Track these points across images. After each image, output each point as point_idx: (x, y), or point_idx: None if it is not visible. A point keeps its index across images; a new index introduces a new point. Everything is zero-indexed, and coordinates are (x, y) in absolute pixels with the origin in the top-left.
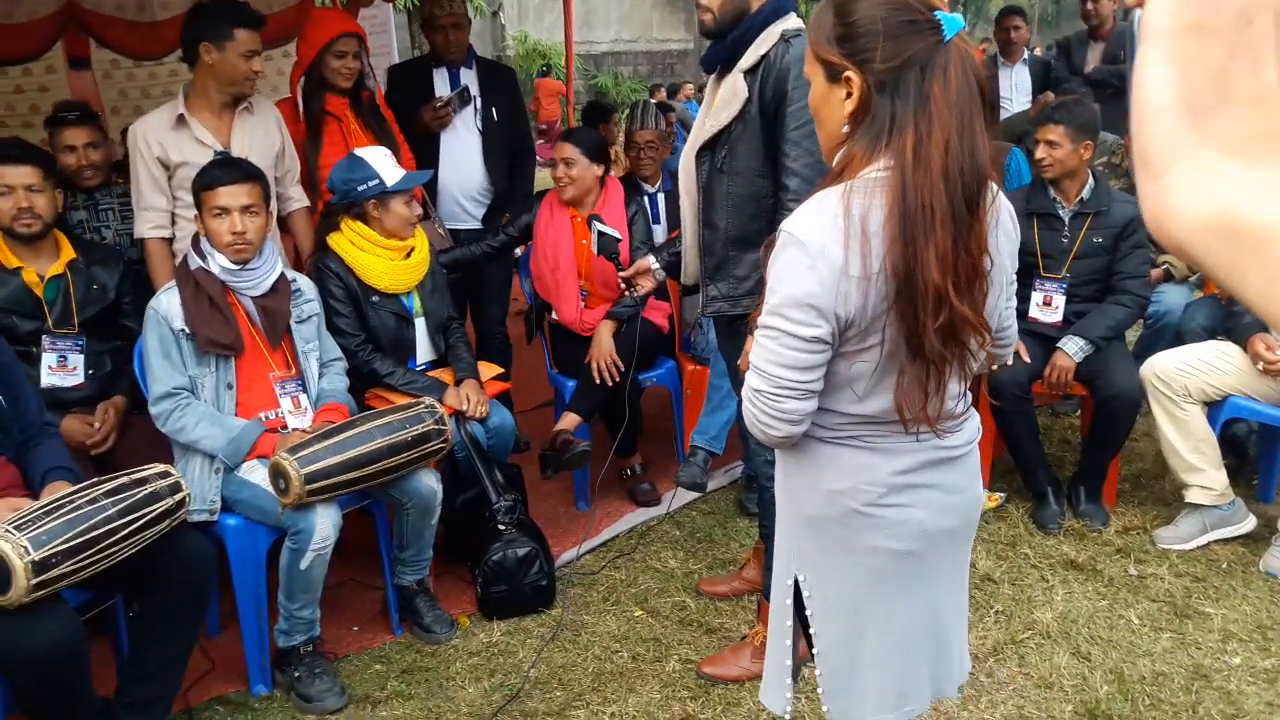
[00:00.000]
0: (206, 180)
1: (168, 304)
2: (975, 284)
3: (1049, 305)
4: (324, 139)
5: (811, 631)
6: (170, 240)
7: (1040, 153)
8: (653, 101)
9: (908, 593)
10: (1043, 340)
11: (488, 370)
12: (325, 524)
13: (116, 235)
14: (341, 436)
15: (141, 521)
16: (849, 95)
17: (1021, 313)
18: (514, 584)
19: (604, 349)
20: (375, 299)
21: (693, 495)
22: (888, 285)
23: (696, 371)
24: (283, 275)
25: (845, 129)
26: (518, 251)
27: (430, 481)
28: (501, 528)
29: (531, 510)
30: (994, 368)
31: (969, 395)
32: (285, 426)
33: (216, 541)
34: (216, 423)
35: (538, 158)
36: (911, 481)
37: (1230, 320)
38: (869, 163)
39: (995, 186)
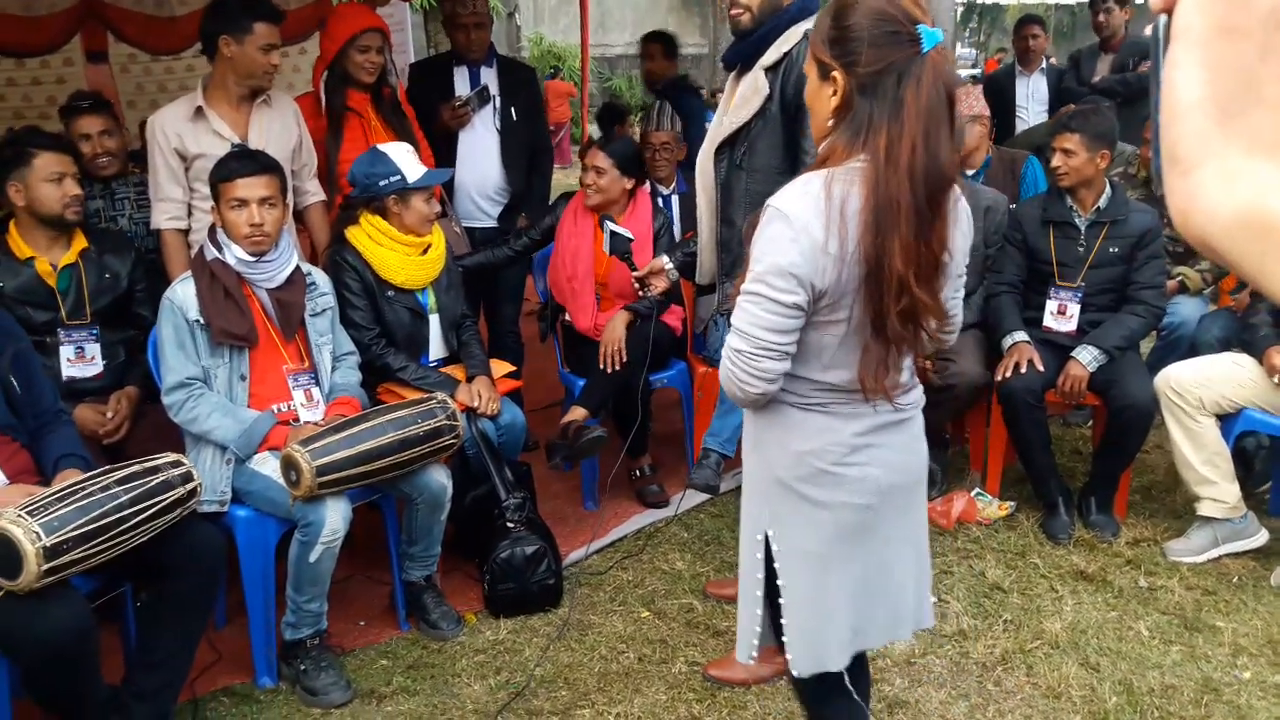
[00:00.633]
0: (224, 172)
1: (183, 294)
2: (935, 275)
3: (1063, 314)
4: (345, 134)
5: (780, 583)
6: (186, 231)
7: (1056, 161)
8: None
9: (865, 544)
10: (1056, 349)
11: (500, 368)
12: (335, 517)
13: (131, 224)
14: (354, 430)
15: (153, 510)
16: (835, 93)
17: (1035, 321)
18: (521, 582)
19: (614, 336)
20: (391, 293)
21: (701, 497)
22: (859, 267)
23: (708, 374)
24: (298, 268)
25: (830, 123)
26: None
27: (440, 477)
28: (510, 525)
29: (540, 509)
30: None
31: (914, 368)
32: (297, 419)
33: (226, 532)
34: (229, 414)
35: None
36: (868, 442)
37: (1246, 333)
38: (849, 156)
39: (958, 189)
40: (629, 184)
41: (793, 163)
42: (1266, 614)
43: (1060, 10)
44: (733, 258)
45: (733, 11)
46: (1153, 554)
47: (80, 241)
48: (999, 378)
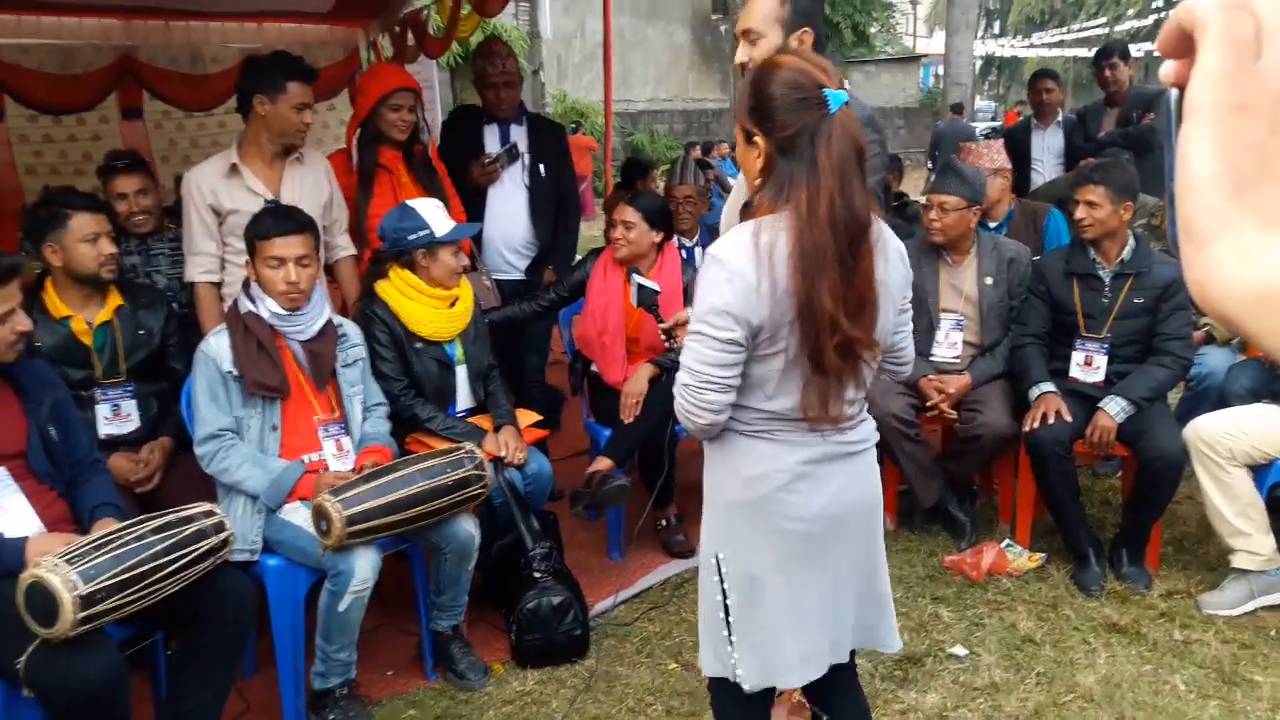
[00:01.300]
0: (263, 230)
1: (217, 346)
2: (864, 311)
3: (1090, 365)
4: (375, 190)
5: (728, 602)
6: (219, 285)
7: (1080, 213)
8: (692, 157)
9: (810, 569)
10: (1084, 400)
11: (526, 418)
12: (365, 566)
13: (167, 279)
14: (384, 479)
15: (186, 559)
16: (759, 155)
17: (1062, 372)
18: (548, 633)
19: (636, 389)
20: (419, 345)
21: None
22: (790, 305)
23: None
24: (330, 320)
25: (758, 181)
26: None
27: (469, 527)
28: (537, 575)
29: (566, 559)
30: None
31: (864, 401)
32: (327, 468)
33: (256, 581)
34: (259, 464)
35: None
36: (814, 472)
37: (1276, 383)
38: (773, 210)
39: (880, 229)
40: (657, 237)
41: None
42: None
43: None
44: None
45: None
46: (1187, 606)
47: (115, 299)
48: (1027, 428)
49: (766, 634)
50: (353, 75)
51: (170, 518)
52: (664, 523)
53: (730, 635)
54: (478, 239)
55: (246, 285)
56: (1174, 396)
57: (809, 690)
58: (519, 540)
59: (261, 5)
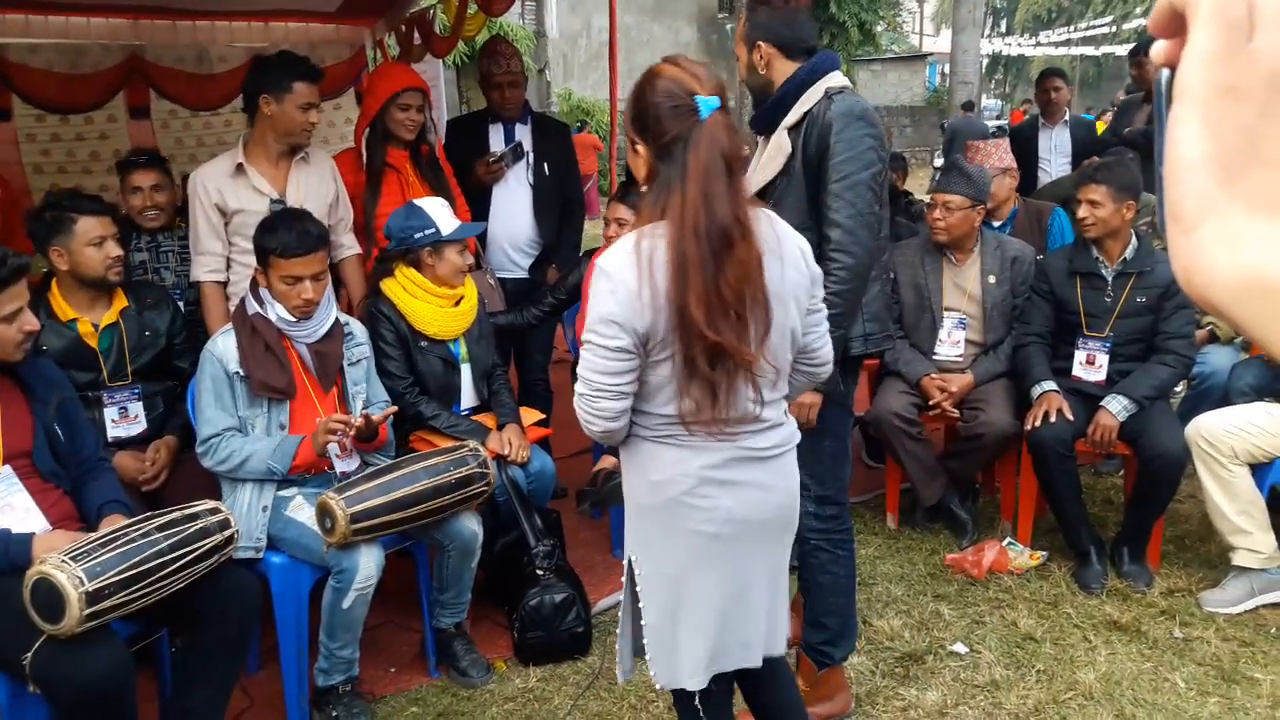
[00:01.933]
0: (278, 246)
1: (224, 346)
2: (737, 319)
3: (1092, 364)
4: (382, 189)
5: (640, 605)
6: (225, 284)
7: (1083, 212)
8: None
9: (718, 571)
10: (1086, 399)
11: (529, 416)
12: (369, 564)
13: (175, 276)
14: (387, 477)
15: (191, 556)
16: (643, 163)
17: (1065, 371)
18: (550, 630)
19: None
20: (424, 344)
21: None
22: (670, 312)
23: None
24: (336, 320)
25: (645, 188)
26: None
27: (472, 524)
28: (540, 573)
29: (569, 557)
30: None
31: (780, 404)
32: (332, 468)
33: (261, 578)
34: (258, 440)
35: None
36: (719, 476)
37: (1279, 382)
38: (655, 217)
39: (775, 230)
40: None
41: (817, 216)
42: None
43: (1085, 61)
44: None
45: (741, 79)
46: (1187, 604)
47: (120, 301)
48: (1029, 427)
49: (675, 633)
50: (359, 74)
51: (175, 515)
52: None
53: (643, 637)
54: (482, 238)
55: (254, 286)
56: (1176, 395)
57: (744, 689)
58: (522, 538)
59: (268, 4)
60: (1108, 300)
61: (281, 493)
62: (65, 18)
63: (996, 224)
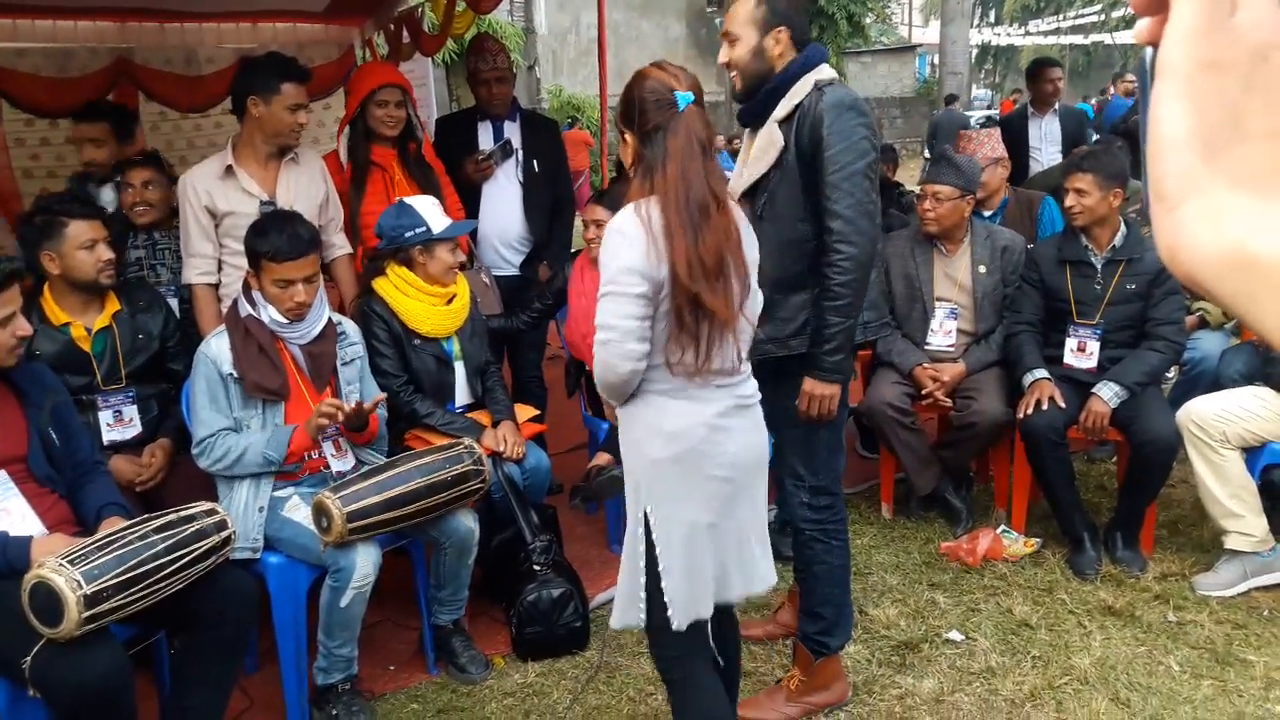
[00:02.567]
0: (271, 252)
1: (217, 348)
2: (715, 276)
3: (1083, 351)
4: (368, 188)
5: (658, 553)
6: (217, 286)
7: (1070, 201)
8: None
9: (727, 514)
10: (1077, 386)
11: (523, 413)
12: (365, 562)
13: (172, 273)
14: (383, 476)
15: (189, 558)
16: (630, 149)
17: (1055, 359)
18: (548, 625)
19: None
20: (417, 342)
21: None
22: (668, 269)
23: None
24: (329, 320)
25: (633, 171)
26: None
27: (468, 521)
28: (537, 568)
29: (565, 552)
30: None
31: (746, 362)
32: (328, 467)
33: (258, 579)
34: (253, 434)
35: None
36: (723, 424)
37: (1269, 366)
38: (644, 193)
39: (731, 206)
40: None
41: (813, 210)
42: None
43: (1075, 50)
44: (764, 304)
45: (731, 75)
46: (1181, 588)
47: (113, 304)
48: (1021, 415)
49: (693, 574)
50: (348, 74)
51: (172, 517)
52: None
53: (661, 583)
54: (473, 235)
55: (246, 288)
56: (1169, 382)
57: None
58: (518, 534)
59: (256, 5)
60: (1098, 288)
61: (278, 493)
62: (52, 21)
63: (987, 213)
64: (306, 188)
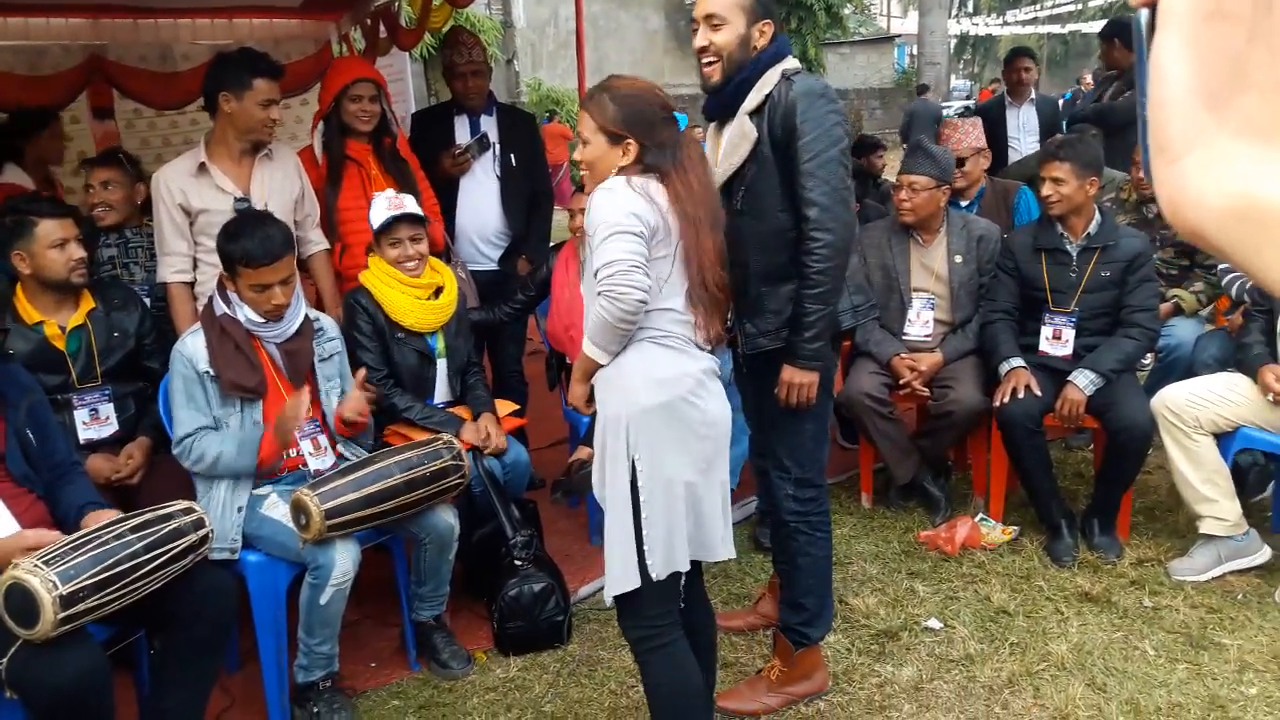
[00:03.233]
0: (245, 257)
1: (193, 346)
2: (719, 262)
3: (1059, 339)
4: (344, 183)
5: (642, 500)
6: (192, 284)
7: (1047, 190)
8: None
9: (707, 474)
10: (1053, 374)
11: (504, 407)
12: (345, 559)
13: (145, 271)
14: (361, 472)
15: (166, 556)
16: (625, 154)
17: (1031, 346)
18: (530, 619)
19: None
20: (400, 335)
21: None
22: (673, 228)
23: None
24: (306, 317)
25: (616, 170)
26: None
27: (448, 517)
28: (518, 563)
29: (547, 546)
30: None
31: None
32: (305, 465)
33: (237, 577)
34: (228, 438)
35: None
36: (707, 384)
37: (1240, 352)
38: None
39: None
40: None
41: (791, 200)
42: (1272, 630)
43: (1053, 40)
44: (749, 299)
45: (706, 66)
46: (1157, 574)
47: (88, 302)
48: (997, 403)
49: (674, 524)
50: (325, 69)
51: (148, 516)
52: None
53: (643, 535)
54: (451, 230)
55: (221, 286)
56: (1145, 369)
57: None
58: (499, 529)
59: (231, 0)
60: (1073, 275)
61: (256, 491)
62: (24, 19)
63: (964, 203)
64: (281, 184)
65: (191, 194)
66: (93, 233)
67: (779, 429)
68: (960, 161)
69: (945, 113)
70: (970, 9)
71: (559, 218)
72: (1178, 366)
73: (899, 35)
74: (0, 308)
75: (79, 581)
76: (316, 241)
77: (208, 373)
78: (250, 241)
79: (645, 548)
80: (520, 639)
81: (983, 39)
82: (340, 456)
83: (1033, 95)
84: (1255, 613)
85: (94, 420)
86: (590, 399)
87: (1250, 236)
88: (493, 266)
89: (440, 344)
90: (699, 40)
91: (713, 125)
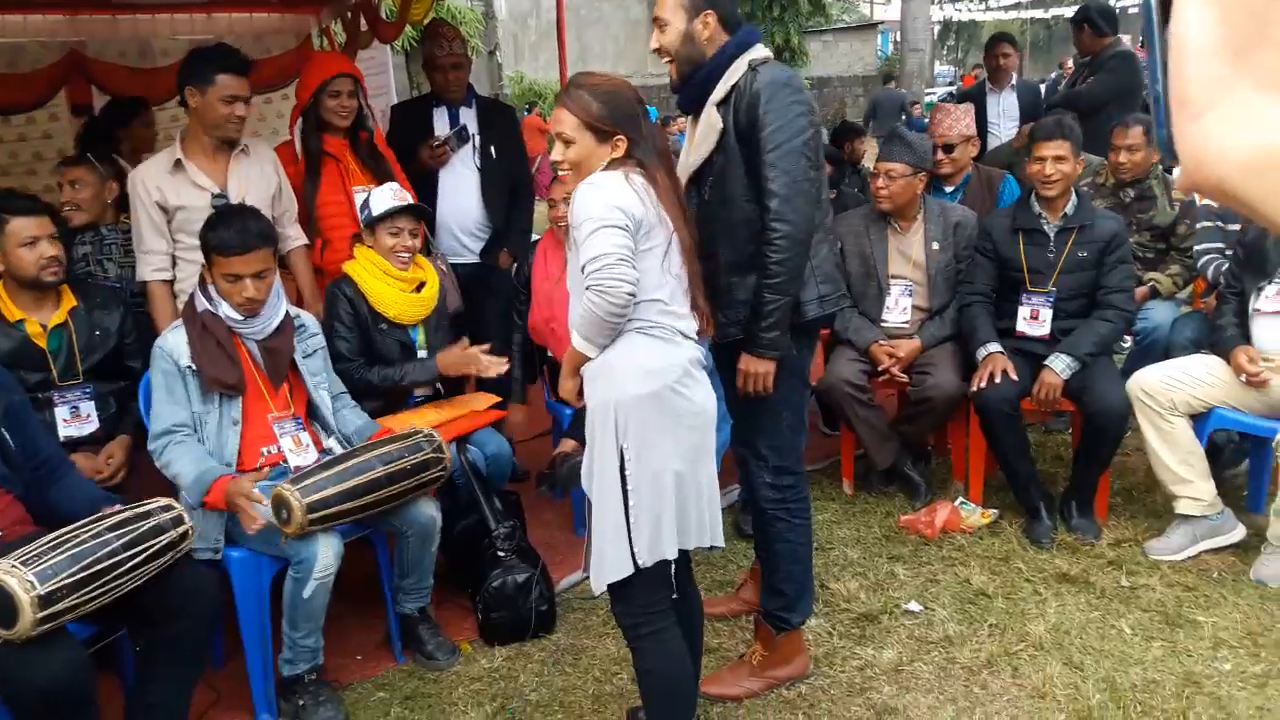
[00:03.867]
0: (219, 245)
1: (174, 341)
2: (693, 255)
3: (1036, 319)
4: (322, 178)
5: (629, 488)
6: (171, 282)
7: (1050, 169)
8: None
9: (694, 464)
10: (1030, 358)
11: (485, 400)
12: (327, 553)
13: (120, 268)
14: (342, 466)
15: (146, 554)
16: (613, 150)
17: (1009, 330)
18: (514, 609)
19: None
20: (384, 326)
21: None
22: (661, 218)
23: None
24: (286, 315)
25: (603, 166)
26: None
27: (429, 509)
28: (501, 554)
29: (531, 536)
30: None
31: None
32: (285, 461)
33: (221, 573)
34: (196, 462)
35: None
36: (695, 373)
37: (1214, 334)
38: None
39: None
40: None
41: (757, 188)
42: (1246, 607)
43: (1035, 25)
44: (719, 290)
45: (664, 61)
46: (1134, 554)
47: (69, 300)
48: (974, 389)
49: (660, 512)
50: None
51: (128, 514)
52: None
53: (629, 522)
54: (430, 223)
55: (203, 283)
56: (1123, 352)
57: None
58: (482, 520)
59: None
60: (1050, 255)
61: None
62: (1, 16)
63: (949, 189)
64: (257, 180)
65: (169, 191)
66: (68, 230)
67: (756, 418)
68: (949, 147)
69: (928, 99)
70: None
71: (539, 209)
72: (1155, 349)
73: (882, 22)
74: None
75: (57, 581)
76: (295, 237)
77: (190, 368)
78: (227, 231)
79: (632, 535)
80: (505, 629)
81: (966, 25)
82: (323, 452)
83: (1013, 81)
84: (1230, 590)
85: (75, 418)
86: (580, 391)
87: (1275, 187)
88: (473, 259)
89: (421, 336)
90: (651, 43)
91: (690, 118)
